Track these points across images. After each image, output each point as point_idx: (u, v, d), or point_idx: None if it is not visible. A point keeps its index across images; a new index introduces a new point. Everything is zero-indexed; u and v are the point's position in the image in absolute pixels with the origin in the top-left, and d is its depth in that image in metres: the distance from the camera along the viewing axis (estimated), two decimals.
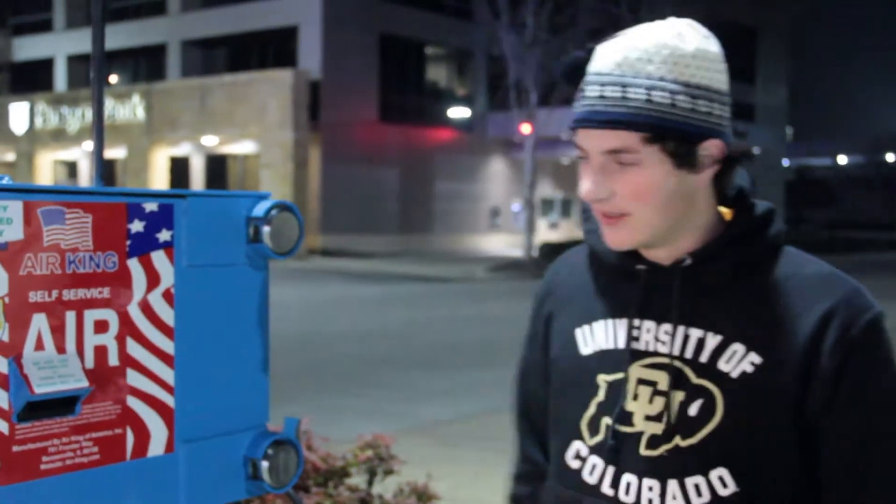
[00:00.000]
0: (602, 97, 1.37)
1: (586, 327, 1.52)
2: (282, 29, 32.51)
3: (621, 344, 1.47)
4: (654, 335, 1.44)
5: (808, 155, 69.78)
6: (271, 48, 33.59)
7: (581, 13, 27.88)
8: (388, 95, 33.34)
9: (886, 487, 1.38)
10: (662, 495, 1.39)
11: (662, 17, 1.47)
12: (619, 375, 1.45)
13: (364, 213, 32.12)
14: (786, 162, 51.98)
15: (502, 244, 36.33)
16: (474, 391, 9.11)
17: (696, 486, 1.38)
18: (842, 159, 69.97)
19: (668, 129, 1.35)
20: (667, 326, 1.43)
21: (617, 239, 1.42)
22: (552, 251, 27.26)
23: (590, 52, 1.41)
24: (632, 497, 1.42)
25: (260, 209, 1.25)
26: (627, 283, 1.48)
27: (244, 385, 1.27)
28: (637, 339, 1.45)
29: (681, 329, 1.42)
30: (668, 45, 1.36)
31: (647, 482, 1.40)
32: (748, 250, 1.43)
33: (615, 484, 1.44)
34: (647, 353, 1.44)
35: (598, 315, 1.51)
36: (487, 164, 37.24)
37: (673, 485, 1.39)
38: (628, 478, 1.42)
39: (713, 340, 1.40)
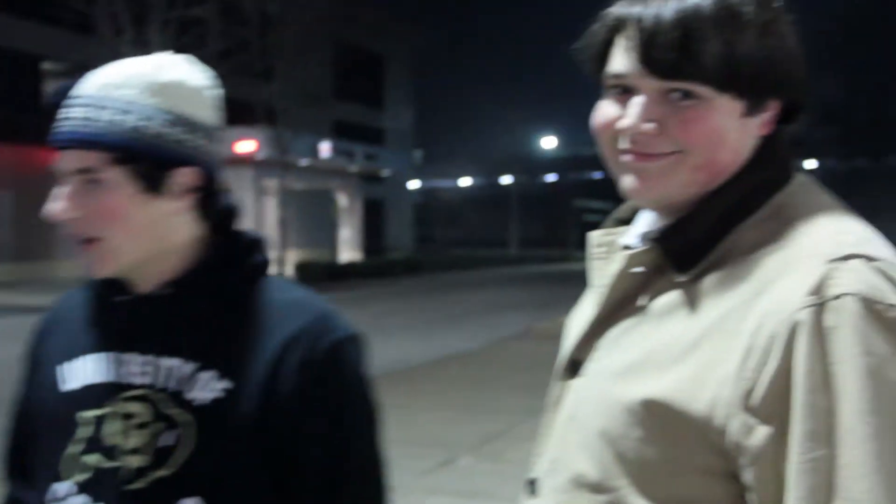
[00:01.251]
0: (73, 118, 1.40)
1: (71, 363, 1.49)
2: None
3: (103, 378, 1.45)
4: (135, 367, 1.44)
5: (436, 177, 74.05)
6: None
7: (209, 34, 27.55)
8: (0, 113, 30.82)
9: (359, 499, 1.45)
10: None
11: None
12: (101, 411, 1.43)
13: None
14: (415, 184, 54.73)
15: None
16: None
17: None
18: (465, 181, 75.01)
19: (133, 151, 1.37)
20: (147, 357, 1.43)
21: (92, 266, 1.41)
22: None
23: (79, 79, 1.43)
24: None
25: None
26: (111, 315, 1.48)
27: None
28: (118, 371, 1.44)
29: (158, 359, 1.43)
30: (145, 74, 1.41)
31: None
32: (224, 278, 1.46)
33: None
34: (127, 386, 1.43)
35: (82, 349, 1.49)
36: None
37: None
38: None
39: (188, 368, 1.41)
